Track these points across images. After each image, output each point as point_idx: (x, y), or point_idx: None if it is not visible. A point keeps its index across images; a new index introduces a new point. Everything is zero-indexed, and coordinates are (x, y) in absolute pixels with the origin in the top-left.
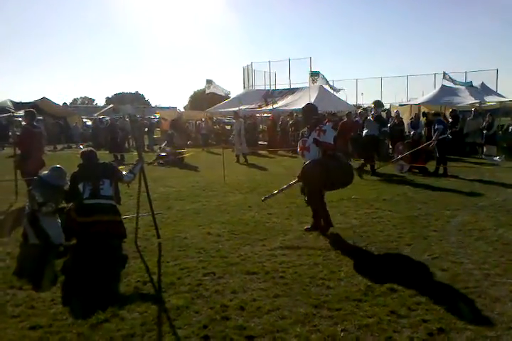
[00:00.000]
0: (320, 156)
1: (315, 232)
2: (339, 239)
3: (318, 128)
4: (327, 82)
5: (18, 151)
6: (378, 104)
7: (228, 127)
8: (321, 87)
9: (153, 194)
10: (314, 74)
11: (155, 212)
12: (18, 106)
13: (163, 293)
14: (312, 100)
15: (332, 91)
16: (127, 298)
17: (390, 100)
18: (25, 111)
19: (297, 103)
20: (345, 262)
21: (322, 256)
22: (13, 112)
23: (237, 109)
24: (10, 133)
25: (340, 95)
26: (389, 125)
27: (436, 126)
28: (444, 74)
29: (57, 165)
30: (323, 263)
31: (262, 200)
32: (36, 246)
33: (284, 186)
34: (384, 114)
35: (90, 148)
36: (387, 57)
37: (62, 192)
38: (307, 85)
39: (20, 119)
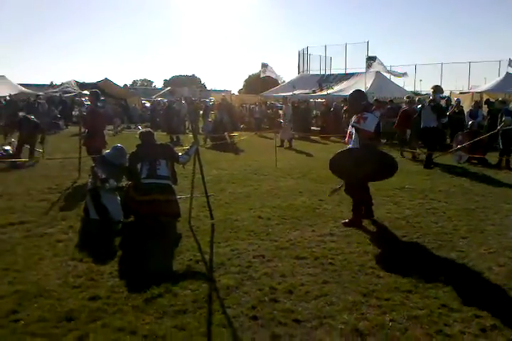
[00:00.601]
0: (356, 145)
1: (366, 220)
2: (391, 228)
3: (359, 115)
4: (385, 67)
5: (84, 130)
6: (437, 88)
7: (281, 111)
8: (377, 73)
9: (207, 176)
10: (371, 59)
11: (208, 194)
12: (81, 86)
13: (214, 273)
14: (368, 86)
15: (392, 76)
16: (180, 275)
17: (451, 87)
18: (90, 92)
19: (352, 89)
20: (396, 252)
21: (372, 244)
22: (77, 93)
23: (290, 93)
24: (74, 113)
25: (397, 81)
26: (448, 113)
27: (503, 117)
28: (510, 61)
29: (119, 145)
30: (374, 252)
31: (328, 196)
32: (96, 221)
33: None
34: (443, 102)
35: (148, 129)
36: (448, 43)
37: (122, 170)
38: (363, 71)
39: (83, 99)
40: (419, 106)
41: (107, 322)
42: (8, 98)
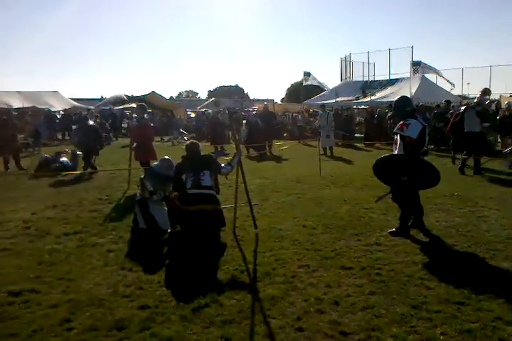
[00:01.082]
0: (400, 152)
1: (414, 229)
2: (440, 237)
3: (403, 121)
4: (435, 69)
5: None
6: (485, 90)
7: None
8: (423, 78)
9: (250, 185)
10: (416, 64)
11: (252, 203)
12: (130, 99)
13: (259, 283)
14: (413, 91)
15: (439, 78)
16: (225, 284)
17: (500, 90)
18: (137, 105)
19: (397, 94)
20: (446, 262)
21: (421, 254)
22: (125, 106)
23: (333, 101)
24: (123, 125)
25: (444, 86)
26: (498, 117)
27: None
28: None
29: (166, 157)
30: (422, 262)
31: (375, 202)
32: (145, 231)
33: None
34: (493, 106)
35: (193, 141)
36: (496, 45)
37: (170, 181)
38: (408, 76)
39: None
40: (463, 108)
41: (155, 332)
42: (62, 112)
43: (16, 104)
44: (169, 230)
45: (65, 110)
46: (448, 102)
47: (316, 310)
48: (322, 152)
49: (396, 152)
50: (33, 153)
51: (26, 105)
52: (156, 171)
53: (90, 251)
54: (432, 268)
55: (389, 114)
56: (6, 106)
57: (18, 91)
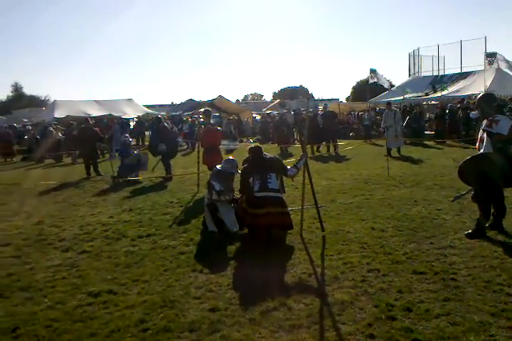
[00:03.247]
0: (488, 150)
1: (492, 231)
2: None
3: (491, 118)
4: (509, 62)
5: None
6: None
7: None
8: (498, 70)
9: (316, 186)
10: (490, 56)
11: (318, 205)
12: (198, 104)
13: (327, 287)
14: (487, 84)
15: None
16: (293, 288)
17: None
18: (204, 111)
19: (470, 88)
20: None
21: (500, 258)
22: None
23: (401, 97)
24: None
25: None
26: None
27: None
28: None
29: (230, 157)
30: (502, 267)
31: (451, 201)
32: (214, 234)
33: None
34: None
35: (257, 145)
36: None
37: (232, 180)
38: (482, 68)
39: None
40: None
41: (225, 335)
42: (135, 119)
43: (94, 112)
44: (237, 231)
45: (138, 117)
46: None
47: (388, 316)
48: (386, 153)
49: (483, 150)
50: (110, 160)
51: (103, 113)
52: (221, 170)
53: (163, 253)
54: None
55: (460, 110)
56: (84, 115)
57: (95, 101)
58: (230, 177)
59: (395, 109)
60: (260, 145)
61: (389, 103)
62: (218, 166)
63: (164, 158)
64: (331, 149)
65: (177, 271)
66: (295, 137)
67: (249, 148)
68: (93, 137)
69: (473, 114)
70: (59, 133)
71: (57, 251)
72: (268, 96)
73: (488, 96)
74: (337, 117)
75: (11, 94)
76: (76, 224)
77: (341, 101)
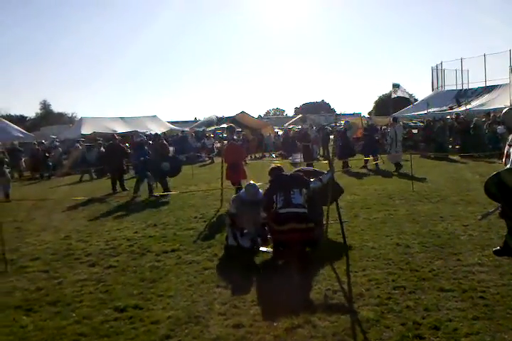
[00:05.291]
0: None
1: None
2: None
3: None
4: None
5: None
6: None
7: (415, 131)
8: None
9: (340, 202)
10: None
11: (342, 220)
12: (221, 120)
13: (353, 304)
14: None
15: None
16: (318, 305)
17: None
18: (227, 127)
19: (495, 102)
20: None
21: None
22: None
23: (425, 112)
24: (215, 145)
25: None
26: None
27: None
28: None
29: (251, 182)
30: None
31: (479, 220)
32: (238, 249)
33: None
34: None
35: (277, 165)
36: None
37: (258, 205)
38: (507, 82)
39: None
40: None
41: None
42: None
43: (119, 129)
44: (262, 249)
45: (163, 133)
46: None
47: (415, 335)
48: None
49: (509, 165)
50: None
51: (128, 130)
52: (243, 198)
53: (187, 269)
54: None
55: (486, 123)
56: (111, 131)
57: (121, 117)
58: (252, 203)
59: (400, 124)
60: (280, 166)
61: (394, 118)
62: (241, 192)
63: (164, 176)
64: (371, 162)
65: (201, 287)
66: (318, 153)
67: (270, 170)
68: (120, 153)
69: (500, 128)
70: (101, 148)
71: (84, 266)
72: (290, 111)
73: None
74: (378, 131)
75: (39, 111)
76: (102, 239)
77: (363, 116)
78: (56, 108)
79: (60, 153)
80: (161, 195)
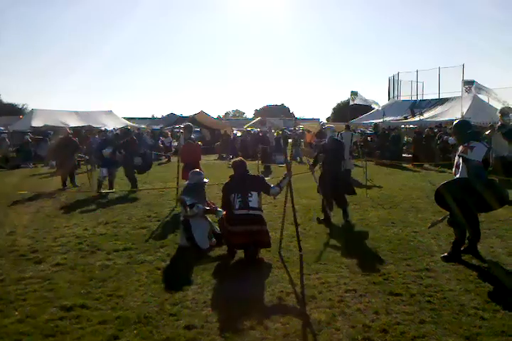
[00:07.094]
0: (464, 175)
1: (467, 255)
2: (495, 264)
3: (466, 144)
4: (488, 90)
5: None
6: (503, 111)
7: (370, 138)
8: (475, 97)
9: (296, 205)
10: (468, 83)
11: (297, 224)
12: (179, 119)
13: (305, 306)
14: (464, 110)
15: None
16: (270, 307)
17: None
18: (184, 126)
19: (447, 114)
20: (501, 291)
21: (475, 282)
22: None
23: (381, 120)
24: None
25: (497, 105)
26: None
27: None
28: None
29: (196, 170)
30: (476, 291)
31: (428, 227)
32: (192, 250)
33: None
34: None
35: (241, 159)
36: None
37: (203, 190)
38: (459, 95)
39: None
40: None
41: None
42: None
43: (73, 123)
44: (207, 248)
45: (115, 129)
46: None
47: (364, 337)
48: None
49: (459, 175)
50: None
51: (82, 124)
52: (190, 184)
53: (139, 269)
54: (486, 298)
55: (438, 134)
56: (63, 125)
57: (75, 112)
58: (201, 189)
59: (353, 132)
60: (243, 160)
61: (347, 125)
62: (187, 181)
63: (131, 171)
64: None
65: (152, 287)
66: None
67: (233, 162)
68: (72, 147)
69: (451, 139)
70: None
71: (30, 263)
72: (250, 114)
73: (463, 123)
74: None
75: None
76: (49, 236)
77: (322, 122)
78: (5, 98)
79: (8, 145)
80: (107, 193)
